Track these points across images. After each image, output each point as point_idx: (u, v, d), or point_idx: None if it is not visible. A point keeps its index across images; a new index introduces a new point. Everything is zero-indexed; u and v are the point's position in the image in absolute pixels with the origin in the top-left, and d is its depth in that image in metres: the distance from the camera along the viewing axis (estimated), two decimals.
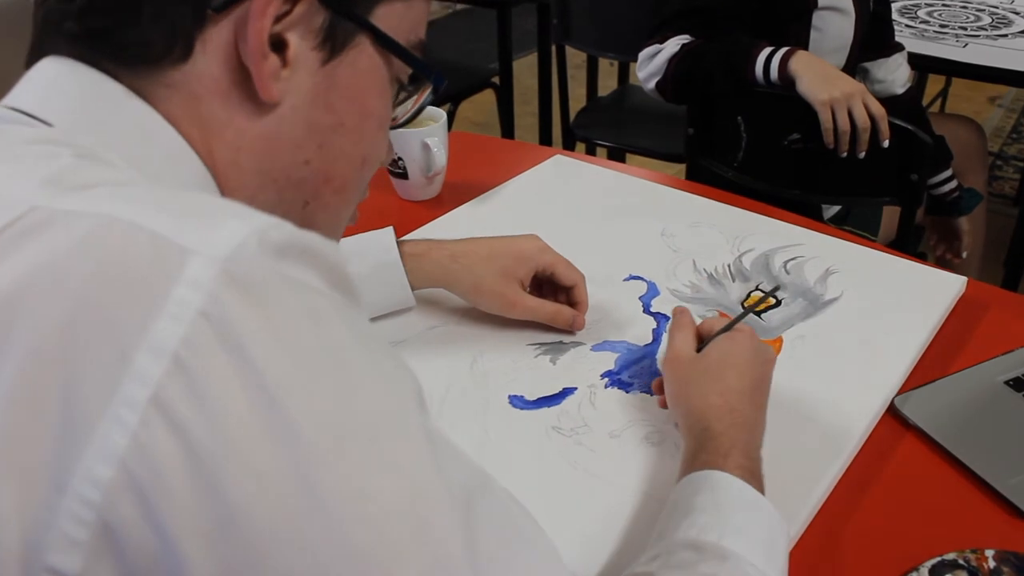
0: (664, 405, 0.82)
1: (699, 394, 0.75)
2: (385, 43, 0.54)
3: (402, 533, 0.38)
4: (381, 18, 0.53)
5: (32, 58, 0.51)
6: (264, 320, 0.38)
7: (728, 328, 0.81)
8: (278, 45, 0.49)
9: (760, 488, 0.68)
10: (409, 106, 0.61)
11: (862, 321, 0.96)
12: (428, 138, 1.21)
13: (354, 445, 0.38)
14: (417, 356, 0.93)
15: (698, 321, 0.84)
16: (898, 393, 0.87)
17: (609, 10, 2.30)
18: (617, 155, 2.48)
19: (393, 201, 1.28)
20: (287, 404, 0.37)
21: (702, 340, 0.82)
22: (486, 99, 2.80)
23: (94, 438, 0.36)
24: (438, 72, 0.59)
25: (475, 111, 3.45)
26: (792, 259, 1.07)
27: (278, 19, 0.49)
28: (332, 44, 0.51)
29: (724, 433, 0.71)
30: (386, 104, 0.57)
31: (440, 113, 1.24)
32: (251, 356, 0.37)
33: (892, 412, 0.86)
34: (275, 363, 0.37)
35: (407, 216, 1.21)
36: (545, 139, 2.73)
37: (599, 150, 2.45)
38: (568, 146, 2.40)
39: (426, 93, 0.61)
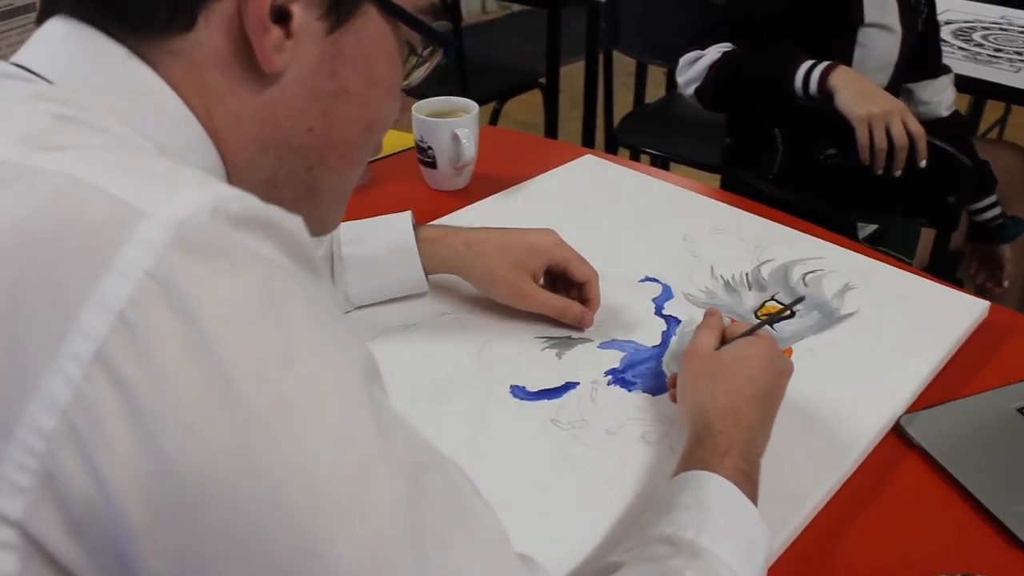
0: (675, 399, 0.82)
1: (707, 391, 0.75)
2: (391, 10, 0.54)
3: (341, 503, 0.39)
4: None
5: (42, 18, 0.52)
6: (212, 284, 0.38)
7: (750, 332, 0.81)
8: (282, 16, 0.50)
9: (754, 493, 0.68)
10: (422, 71, 0.61)
11: (875, 338, 0.95)
12: (458, 129, 1.21)
13: (295, 412, 0.39)
14: (426, 341, 0.93)
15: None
16: (905, 413, 0.86)
17: (659, 17, 2.29)
18: (660, 163, 2.47)
19: (421, 189, 1.29)
20: (230, 367, 0.38)
21: (724, 342, 0.82)
22: (536, 100, 2.80)
23: (39, 389, 0.37)
24: (446, 36, 0.58)
25: (524, 111, 3.45)
26: (811, 272, 1.06)
27: None
28: (337, 14, 0.52)
29: (724, 432, 0.70)
30: (395, 70, 0.57)
31: (472, 105, 1.25)
32: (196, 317, 0.37)
33: (897, 431, 0.84)
34: (221, 326, 0.38)
35: (433, 205, 1.22)
36: (588, 142, 2.73)
37: (643, 157, 2.44)
38: (611, 151, 2.39)
39: (438, 57, 0.61)
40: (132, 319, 0.37)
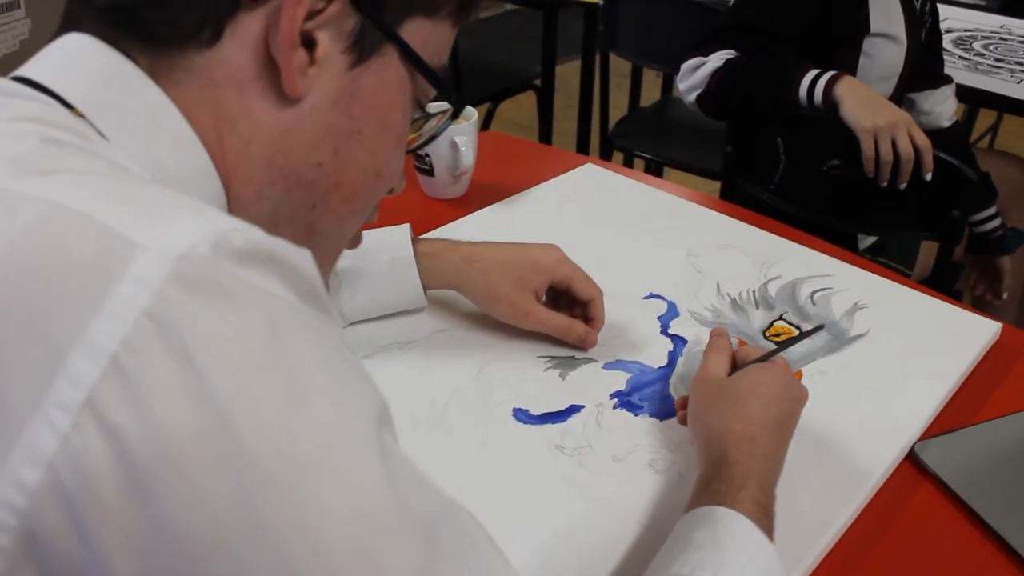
0: (684, 421, 0.79)
1: (721, 417, 0.73)
2: (411, 58, 0.53)
3: (350, 562, 0.36)
4: (409, 33, 0.53)
5: (61, 31, 0.50)
6: (215, 325, 0.35)
7: (764, 359, 0.79)
8: (308, 43, 0.49)
9: (771, 526, 0.65)
10: (425, 131, 0.61)
11: (887, 361, 0.92)
12: (457, 136, 1.18)
13: (302, 465, 0.36)
14: (423, 359, 0.90)
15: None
16: (919, 439, 0.83)
17: (656, 20, 2.27)
18: (655, 167, 2.44)
19: (418, 197, 1.25)
20: (232, 416, 0.35)
21: (735, 366, 0.79)
22: (530, 101, 2.77)
23: (21, 440, 0.34)
24: (460, 96, 0.59)
25: (518, 112, 3.42)
26: (820, 290, 1.03)
27: (310, 16, 0.48)
28: (360, 49, 0.51)
29: (741, 463, 0.68)
30: (406, 121, 0.57)
31: (471, 111, 1.22)
32: (197, 363, 0.34)
33: (911, 458, 0.82)
34: (223, 372, 0.35)
35: (430, 214, 1.19)
36: (583, 145, 2.70)
37: (637, 161, 2.42)
38: (605, 154, 2.37)
39: (445, 118, 0.62)
40: (126, 364, 0.34)
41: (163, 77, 0.48)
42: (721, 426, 0.72)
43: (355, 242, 0.63)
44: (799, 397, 0.76)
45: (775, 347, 0.84)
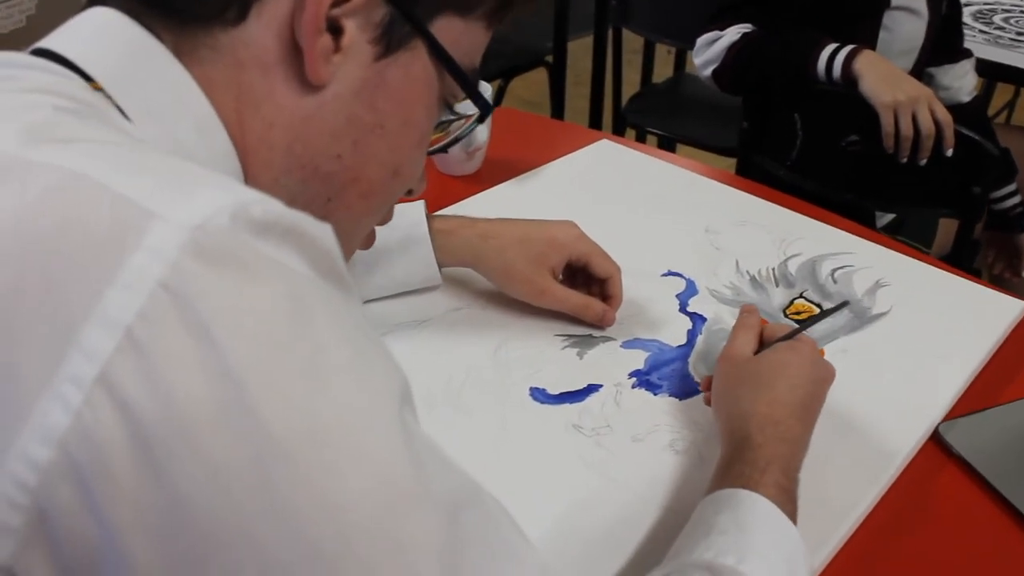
0: (709, 402, 0.78)
1: (746, 398, 0.71)
2: (440, 55, 0.52)
3: (372, 542, 0.35)
4: (440, 29, 0.52)
5: (88, 4, 0.49)
6: (232, 298, 0.34)
7: (790, 337, 0.77)
8: (334, 29, 0.48)
9: (794, 510, 0.64)
10: (451, 131, 0.61)
11: (910, 340, 0.91)
12: (471, 112, 1.16)
13: (323, 442, 0.35)
14: (439, 338, 0.89)
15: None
16: (943, 420, 0.82)
17: None
18: (667, 144, 2.42)
19: (431, 174, 1.24)
20: (251, 392, 0.33)
21: (761, 345, 0.78)
22: (540, 77, 2.74)
23: (33, 416, 0.32)
24: (487, 101, 0.58)
25: (527, 89, 3.39)
26: (841, 268, 1.01)
27: (339, 2, 0.47)
28: (388, 41, 0.50)
29: (764, 445, 0.67)
30: (430, 120, 0.56)
31: (485, 86, 1.20)
32: (215, 336, 0.33)
33: (935, 439, 0.81)
34: (241, 346, 0.34)
35: (444, 191, 1.18)
36: (595, 122, 2.68)
37: (649, 138, 2.40)
38: (618, 131, 2.34)
39: (470, 121, 0.61)
40: (141, 337, 0.33)
41: (187, 55, 0.48)
42: (746, 407, 0.70)
43: (368, 241, 0.63)
44: (826, 377, 0.75)
45: (797, 326, 0.83)
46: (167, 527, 0.33)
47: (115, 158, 0.38)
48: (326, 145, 0.51)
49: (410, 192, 0.61)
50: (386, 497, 0.36)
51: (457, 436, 0.77)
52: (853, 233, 1.09)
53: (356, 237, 0.60)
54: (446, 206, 1.10)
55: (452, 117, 0.58)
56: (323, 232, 0.39)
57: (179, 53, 0.47)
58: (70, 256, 0.34)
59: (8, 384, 0.33)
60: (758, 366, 0.74)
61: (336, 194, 0.54)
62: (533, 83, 2.93)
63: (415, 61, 0.52)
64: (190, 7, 0.47)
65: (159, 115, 0.47)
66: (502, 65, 2.60)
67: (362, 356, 0.38)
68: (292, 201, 0.46)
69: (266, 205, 0.37)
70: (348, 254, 0.61)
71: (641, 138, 2.43)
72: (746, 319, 0.80)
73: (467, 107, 0.58)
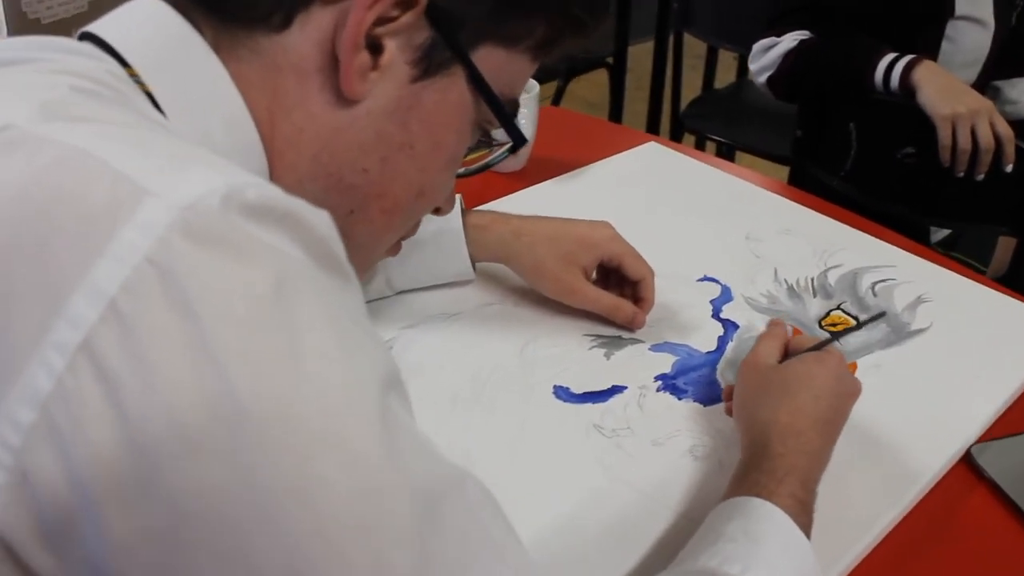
0: (730, 412, 0.77)
1: (768, 407, 0.70)
2: (479, 84, 0.52)
3: (342, 526, 0.35)
4: (482, 58, 0.52)
5: None
6: (217, 276, 0.34)
7: (818, 348, 0.76)
8: (375, 47, 0.49)
9: (809, 523, 0.63)
10: (479, 156, 0.62)
11: (948, 358, 0.88)
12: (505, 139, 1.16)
13: (299, 424, 0.35)
14: (468, 332, 0.89)
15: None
16: (977, 442, 0.80)
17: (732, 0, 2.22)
18: (727, 151, 2.39)
19: None
20: (230, 372, 0.34)
21: (787, 354, 0.77)
22: (603, 79, 2.73)
23: (20, 379, 0.33)
24: (520, 133, 0.58)
25: (590, 90, 3.39)
26: (882, 281, 0.99)
27: (382, 22, 0.48)
28: (427, 64, 0.51)
29: (784, 455, 0.65)
30: (461, 144, 0.56)
31: (532, 84, 1.20)
32: (197, 313, 0.34)
33: (967, 461, 0.78)
34: (224, 325, 0.34)
35: (488, 186, 1.18)
36: (653, 126, 2.66)
37: (709, 145, 2.37)
38: (675, 136, 2.33)
39: (502, 150, 0.62)
40: (124, 309, 0.33)
41: (225, 51, 0.49)
42: (767, 416, 0.69)
43: (395, 250, 0.63)
44: (852, 392, 0.73)
45: (830, 336, 0.81)
46: (143, 502, 0.34)
47: (120, 138, 0.39)
48: (353, 158, 0.52)
49: (438, 210, 0.62)
50: (358, 483, 0.36)
51: (477, 431, 0.77)
52: (899, 246, 1.06)
53: (376, 250, 0.60)
54: (488, 202, 1.10)
55: (486, 141, 0.59)
56: (320, 219, 0.40)
57: (218, 48, 0.49)
58: (65, 226, 0.35)
59: (3, 345, 0.34)
60: (783, 375, 0.73)
61: (359, 207, 0.54)
62: (596, 85, 2.92)
63: (452, 86, 0.52)
64: (236, 9, 0.48)
65: (190, 105, 0.48)
66: (562, 65, 2.60)
67: (345, 342, 0.38)
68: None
69: (263, 190, 0.38)
70: (366, 266, 0.62)
71: (701, 144, 2.40)
72: (773, 329, 0.79)
73: (502, 134, 0.58)
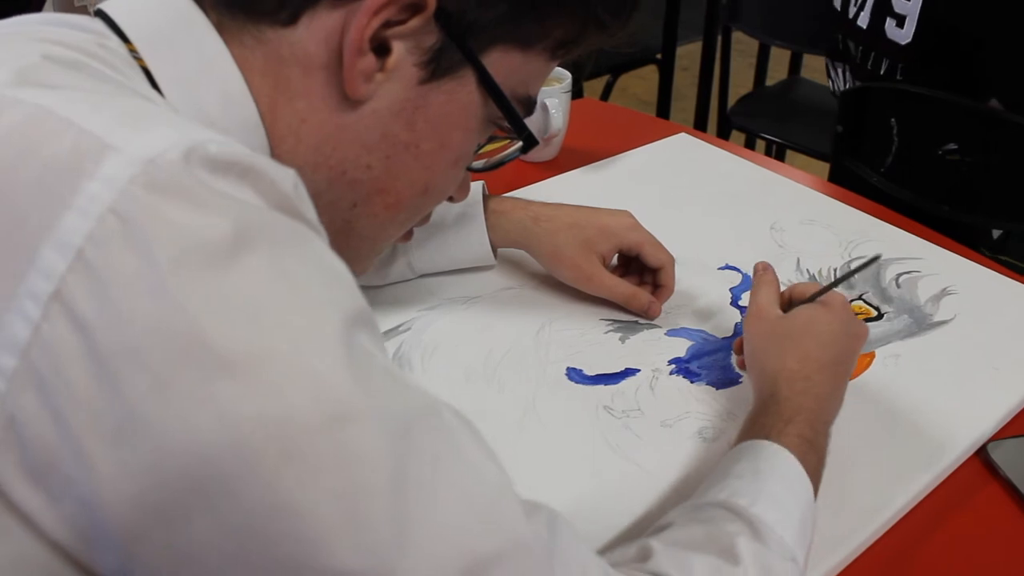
0: (743, 366, 0.78)
1: (776, 356, 0.71)
2: (489, 86, 0.53)
3: (315, 453, 0.37)
4: (494, 61, 0.52)
5: None
6: (176, 224, 0.36)
7: (820, 294, 0.77)
8: (382, 49, 0.49)
9: (820, 463, 0.64)
10: (496, 148, 0.62)
11: (969, 351, 0.87)
12: (548, 99, 1.18)
13: (264, 359, 0.36)
14: (486, 315, 0.91)
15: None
16: (993, 438, 0.79)
17: None
18: (777, 150, 2.36)
19: None
20: (194, 313, 0.36)
21: (791, 303, 0.78)
22: (655, 75, 2.72)
23: (2, 327, 0.35)
24: (530, 133, 0.58)
25: (642, 87, 3.38)
26: (906, 272, 0.98)
27: (389, 25, 0.48)
28: (436, 67, 0.51)
29: (791, 399, 0.67)
30: (470, 143, 0.57)
31: (564, 74, 1.21)
32: (158, 259, 0.35)
33: (981, 456, 0.77)
34: (184, 268, 0.36)
35: (519, 175, 1.19)
36: (700, 123, 2.64)
37: (759, 144, 2.34)
38: (723, 134, 2.30)
39: (513, 147, 0.62)
40: (91, 258, 0.35)
41: (229, 35, 0.50)
42: (776, 364, 0.71)
43: (406, 237, 0.64)
44: (858, 334, 0.74)
45: (833, 281, 0.81)
46: (123, 437, 0.35)
47: (86, 99, 0.41)
48: (357, 154, 0.53)
49: (450, 199, 0.62)
50: (327, 410, 0.37)
51: (490, 409, 0.78)
52: (927, 239, 1.04)
53: (380, 242, 0.61)
54: (516, 189, 1.11)
55: (502, 135, 0.59)
56: (283, 175, 0.41)
57: (221, 31, 0.50)
58: (33, 181, 0.37)
59: None
60: (789, 323, 0.73)
61: (362, 201, 0.55)
62: (650, 81, 2.91)
63: (461, 88, 0.52)
64: (245, 1, 0.49)
65: (187, 80, 0.49)
66: (612, 60, 2.59)
67: (308, 283, 0.39)
68: (316, 198, 0.47)
69: (225, 146, 0.39)
70: (370, 257, 0.62)
71: (751, 143, 2.38)
72: (763, 276, 0.80)
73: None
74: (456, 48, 0.51)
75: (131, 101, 0.43)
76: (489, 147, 0.63)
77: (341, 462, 0.37)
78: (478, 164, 0.63)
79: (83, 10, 1.05)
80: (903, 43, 1.38)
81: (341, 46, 0.49)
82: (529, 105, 0.57)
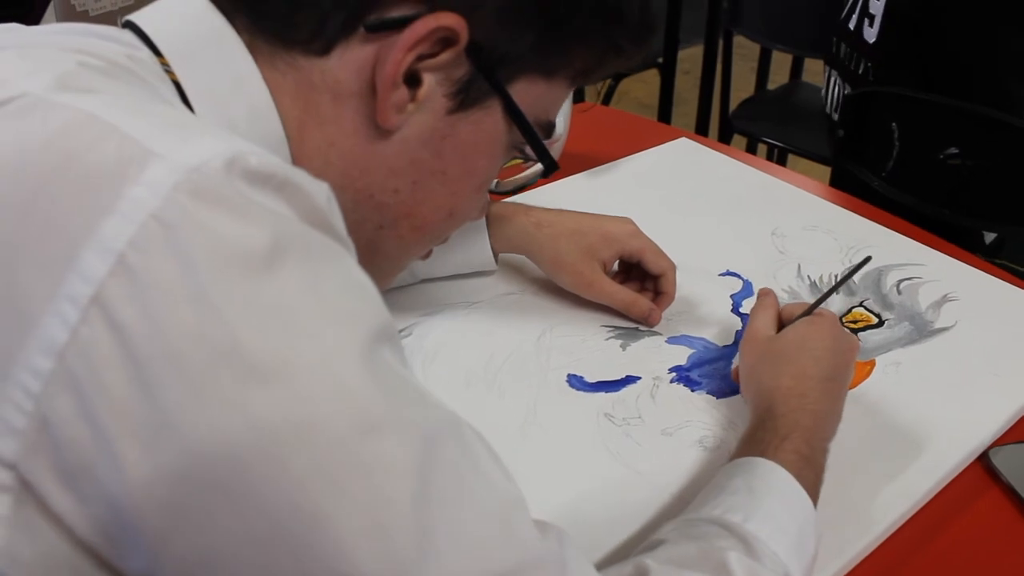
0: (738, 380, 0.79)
1: (771, 375, 0.72)
2: (514, 115, 0.54)
3: (341, 463, 0.37)
4: (519, 91, 0.54)
5: None
6: (218, 233, 0.37)
7: (809, 312, 0.77)
8: (413, 80, 0.50)
9: (817, 479, 0.64)
10: (513, 168, 0.62)
11: (970, 357, 0.87)
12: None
13: (292, 369, 0.37)
14: (487, 320, 0.91)
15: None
16: (994, 443, 0.79)
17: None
18: (779, 155, 2.36)
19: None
20: (231, 321, 0.36)
21: (782, 324, 0.78)
22: (656, 80, 2.72)
23: (37, 330, 0.36)
24: (553, 160, 0.59)
25: (645, 92, 3.38)
26: (907, 279, 0.98)
27: (422, 58, 0.49)
28: (464, 98, 0.52)
29: (786, 415, 0.67)
30: (494, 167, 0.58)
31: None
32: (198, 266, 0.36)
33: (983, 462, 0.77)
34: (223, 276, 0.36)
35: None
36: (702, 127, 2.64)
37: (760, 148, 2.34)
38: (724, 138, 2.30)
39: (532, 168, 0.62)
40: (132, 263, 0.36)
41: (260, 57, 0.50)
42: (771, 383, 0.71)
43: (426, 256, 0.66)
44: (850, 347, 0.75)
45: (820, 297, 0.82)
46: (157, 442, 0.36)
47: (128, 106, 0.41)
48: (384, 179, 0.54)
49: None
50: (354, 421, 0.38)
51: (490, 416, 0.78)
52: (929, 245, 1.05)
53: (404, 261, 0.62)
54: (517, 194, 1.11)
55: (520, 157, 0.61)
56: (318, 189, 0.42)
57: (253, 52, 0.50)
58: (77, 185, 0.37)
59: (16, 299, 0.37)
60: (781, 343, 0.74)
61: (388, 224, 0.56)
62: (652, 85, 2.91)
63: (488, 117, 0.53)
64: (278, 28, 0.50)
65: (216, 95, 0.49)
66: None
67: (336, 295, 0.40)
68: (342, 215, 0.48)
69: (264, 157, 0.40)
70: (392, 274, 0.64)
71: (752, 147, 2.38)
72: (764, 300, 0.81)
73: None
74: (484, 79, 0.52)
75: (169, 110, 0.44)
76: (504, 167, 0.64)
77: (366, 472, 0.38)
78: (504, 187, 0.64)
79: (84, 15, 1.04)
80: (871, 42, 1.39)
81: (373, 77, 0.50)
82: (549, 129, 0.59)
